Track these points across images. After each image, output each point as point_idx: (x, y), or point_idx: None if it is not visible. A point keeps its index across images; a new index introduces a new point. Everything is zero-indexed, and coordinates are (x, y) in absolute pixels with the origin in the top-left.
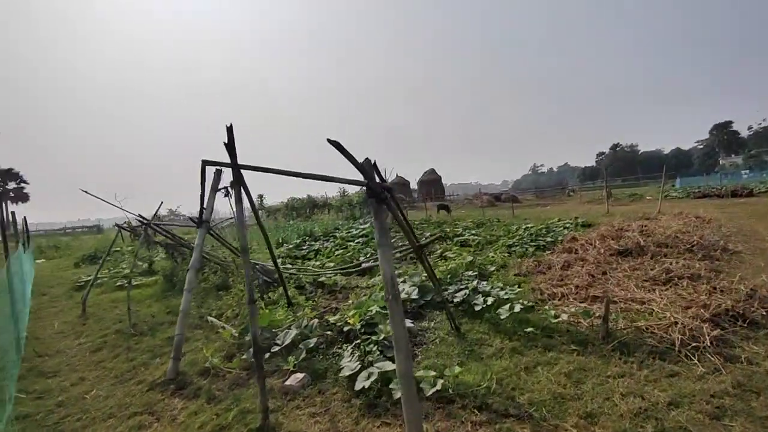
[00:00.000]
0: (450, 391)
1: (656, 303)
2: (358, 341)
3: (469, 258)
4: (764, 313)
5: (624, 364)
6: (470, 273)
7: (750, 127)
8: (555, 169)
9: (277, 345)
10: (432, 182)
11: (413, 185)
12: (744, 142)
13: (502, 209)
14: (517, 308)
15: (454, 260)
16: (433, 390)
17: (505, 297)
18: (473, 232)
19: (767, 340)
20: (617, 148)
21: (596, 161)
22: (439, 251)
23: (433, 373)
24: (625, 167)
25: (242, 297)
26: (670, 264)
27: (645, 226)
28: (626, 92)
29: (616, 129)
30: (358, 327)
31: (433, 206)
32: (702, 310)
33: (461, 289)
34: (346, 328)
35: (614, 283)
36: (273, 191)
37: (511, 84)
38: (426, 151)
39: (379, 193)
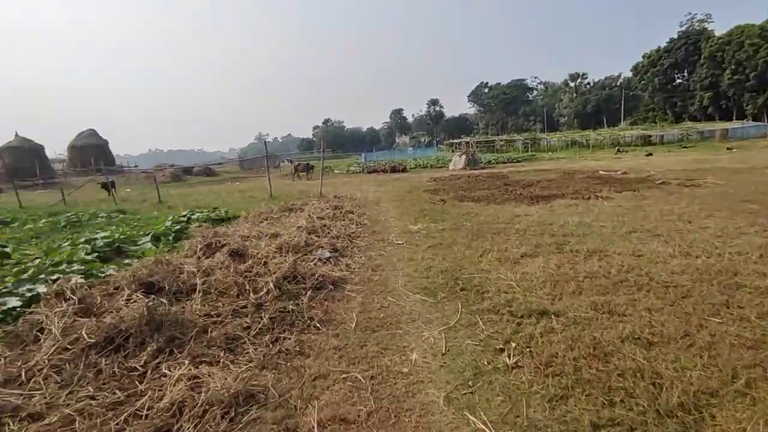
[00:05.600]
0: None
1: None
2: None
3: None
4: None
5: None
6: None
7: (413, 114)
8: (280, 139)
9: None
10: (90, 149)
11: (54, 152)
12: (409, 126)
13: (180, 188)
14: None
15: None
16: None
17: None
18: None
19: None
20: (328, 123)
21: (312, 134)
22: None
23: None
24: (334, 140)
25: None
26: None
27: (245, 240)
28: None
29: (328, 107)
30: None
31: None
32: None
33: None
34: None
35: None
36: None
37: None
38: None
39: None
